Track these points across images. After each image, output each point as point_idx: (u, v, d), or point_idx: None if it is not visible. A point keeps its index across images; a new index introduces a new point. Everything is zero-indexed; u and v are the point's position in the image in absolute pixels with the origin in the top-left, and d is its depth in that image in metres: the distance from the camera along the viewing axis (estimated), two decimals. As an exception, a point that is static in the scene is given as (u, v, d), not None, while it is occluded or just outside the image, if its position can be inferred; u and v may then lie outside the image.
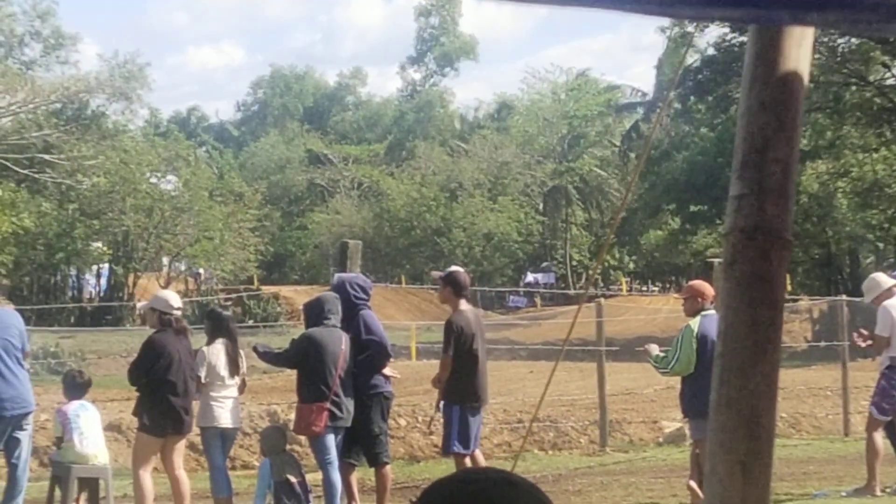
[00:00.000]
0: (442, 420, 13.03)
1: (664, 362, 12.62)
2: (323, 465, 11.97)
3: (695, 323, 12.34)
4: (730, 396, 3.32)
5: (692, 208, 55.35)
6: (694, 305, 12.59)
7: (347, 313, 12.36)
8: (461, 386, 12.57)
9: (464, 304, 12.87)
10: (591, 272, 73.82)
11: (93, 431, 12.59)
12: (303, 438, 14.72)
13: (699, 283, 13.05)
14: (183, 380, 11.80)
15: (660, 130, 67.29)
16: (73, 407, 12.54)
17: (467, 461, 12.54)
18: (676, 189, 54.35)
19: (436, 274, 13.96)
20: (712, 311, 12.37)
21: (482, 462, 13.07)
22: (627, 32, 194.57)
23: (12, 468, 11.57)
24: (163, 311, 11.98)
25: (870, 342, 13.70)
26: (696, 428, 12.74)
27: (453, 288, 12.92)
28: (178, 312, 12.16)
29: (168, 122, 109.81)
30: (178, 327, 12.01)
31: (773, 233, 3.30)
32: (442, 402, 12.80)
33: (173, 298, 12.53)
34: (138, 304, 14.06)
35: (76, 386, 12.88)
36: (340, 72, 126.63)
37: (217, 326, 12.42)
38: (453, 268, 13.82)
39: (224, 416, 12.17)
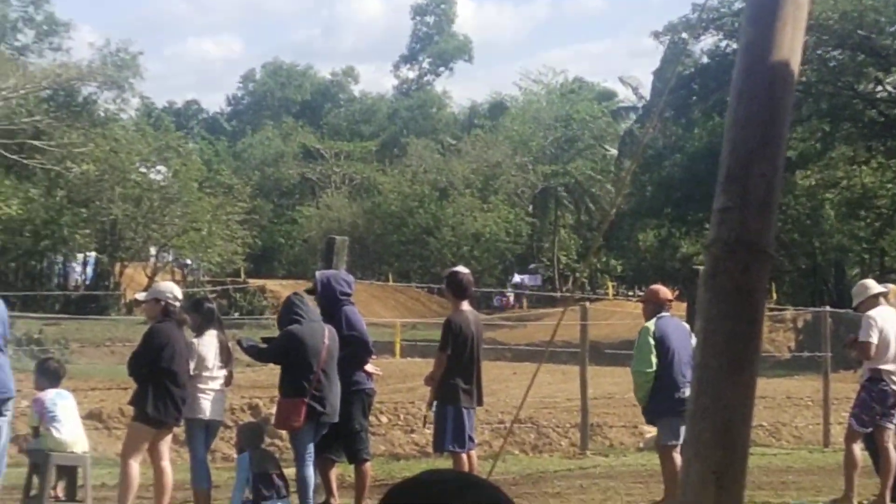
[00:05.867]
0: (433, 418, 13.06)
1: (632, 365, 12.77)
2: (299, 459, 11.92)
3: (651, 324, 12.48)
4: (706, 407, 3.33)
5: (682, 209, 55.10)
6: (652, 309, 12.76)
7: (331, 309, 12.37)
8: (457, 386, 12.59)
9: (465, 305, 12.90)
10: (578, 275, 73.88)
11: (71, 419, 12.56)
12: (283, 434, 14.72)
13: (657, 287, 13.31)
14: (184, 370, 11.78)
15: (654, 134, 67.18)
16: (51, 395, 12.51)
17: (463, 459, 12.61)
18: (668, 188, 54.12)
19: (445, 273, 13.91)
20: (667, 314, 12.52)
21: (476, 461, 13.11)
22: (626, 37, 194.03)
23: (-9, 453, 11.53)
24: (168, 302, 11.97)
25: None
26: (662, 430, 12.77)
27: (453, 289, 12.96)
28: (179, 304, 12.14)
29: (162, 112, 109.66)
30: (179, 318, 11.99)
31: (755, 246, 3.30)
32: (435, 402, 12.83)
33: (177, 290, 12.52)
34: (138, 295, 13.77)
35: (49, 374, 12.85)
36: (333, 69, 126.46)
37: (208, 318, 12.39)
38: (458, 268, 13.83)
39: (210, 408, 12.14)
